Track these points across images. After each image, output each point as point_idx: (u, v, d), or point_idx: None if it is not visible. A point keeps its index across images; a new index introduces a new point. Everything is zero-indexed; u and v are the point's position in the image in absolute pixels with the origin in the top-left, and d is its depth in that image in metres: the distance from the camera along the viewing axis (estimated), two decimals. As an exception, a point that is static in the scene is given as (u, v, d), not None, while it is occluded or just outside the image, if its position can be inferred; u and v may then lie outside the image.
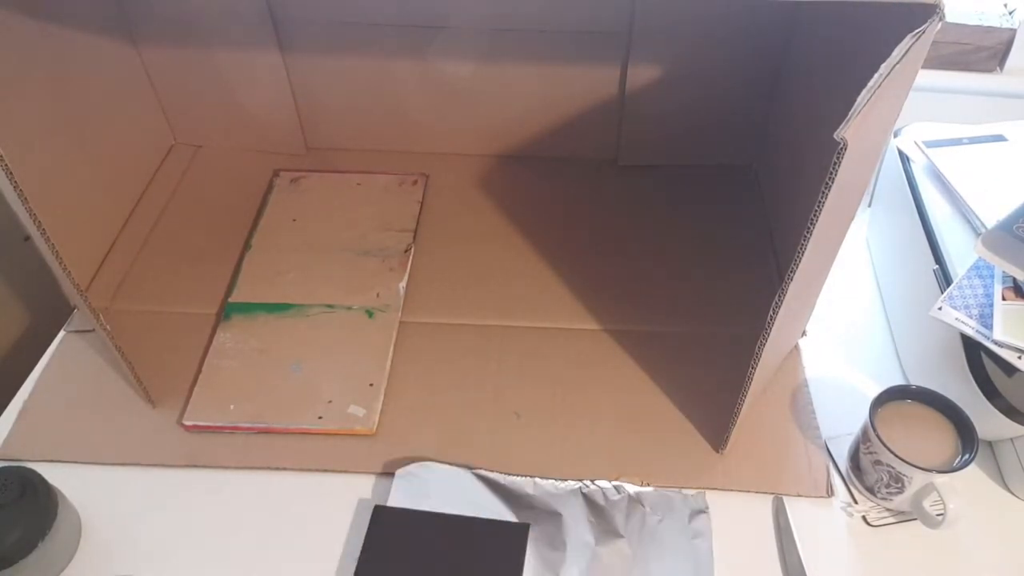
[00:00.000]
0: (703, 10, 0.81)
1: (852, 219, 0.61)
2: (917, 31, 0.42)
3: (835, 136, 0.43)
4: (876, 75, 0.43)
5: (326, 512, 0.65)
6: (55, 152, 0.76)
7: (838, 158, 0.44)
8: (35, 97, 0.74)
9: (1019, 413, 0.60)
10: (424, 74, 0.89)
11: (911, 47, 0.42)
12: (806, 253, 0.50)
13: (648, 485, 0.66)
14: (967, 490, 0.63)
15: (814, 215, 0.48)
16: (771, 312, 0.55)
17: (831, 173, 0.46)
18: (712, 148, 0.94)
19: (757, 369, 0.59)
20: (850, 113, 0.43)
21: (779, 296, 0.54)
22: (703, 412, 0.71)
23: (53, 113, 0.76)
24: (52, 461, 0.68)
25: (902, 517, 0.64)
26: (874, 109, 0.44)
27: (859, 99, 0.43)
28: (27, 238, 0.59)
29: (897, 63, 0.42)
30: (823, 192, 0.47)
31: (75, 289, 0.60)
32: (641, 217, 0.90)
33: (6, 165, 0.52)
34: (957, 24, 0.81)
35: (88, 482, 0.66)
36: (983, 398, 0.61)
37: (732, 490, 0.66)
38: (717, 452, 0.68)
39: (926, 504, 0.61)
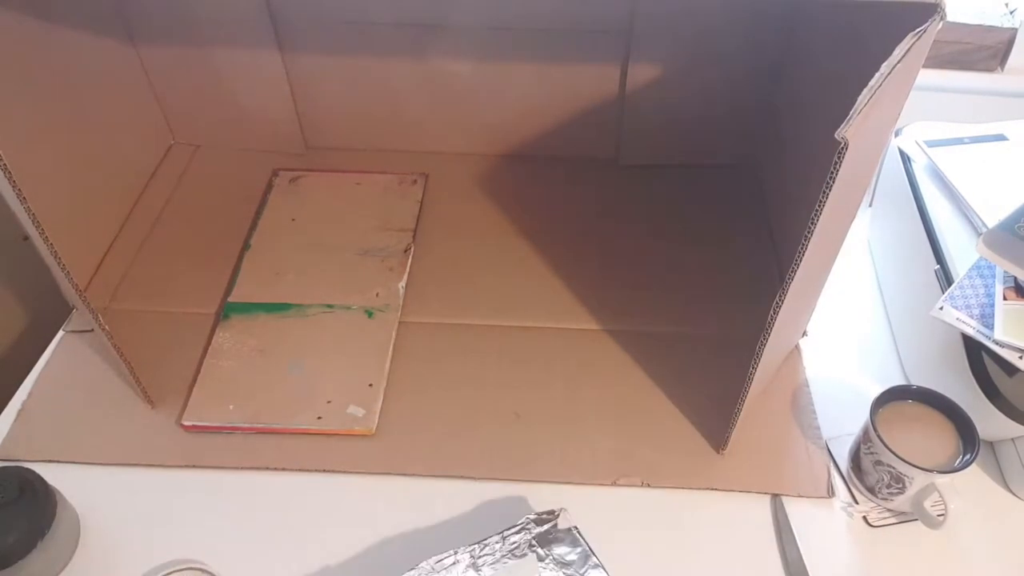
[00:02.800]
0: (703, 9, 0.81)
1: (853, 219, 0.61)
2: (918, 30, 0.42)
3: (836, 136, 0.43)
4: (877, 75, 0.43)
5: (325, 512, 0.65)
6: (54, 152, 0.76)
7: (839, 158, 0.44)
8: (35, 97, 0.73)
9: (1020, 413, 0.60)
10: (424, 74, 0.89)
11: (912, 47, 0.42)
12: (807, 253, 0.50)
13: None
14: (968, 490, 0.63)
15: (815, 215, 0.48)
16: (771, 312, 0.55)
17: (832, 173, 0.45)
18: (712, 147, 0.94)
19: (757, 369, 0.59)
20: (851, 113, 0.43)
21: (779, 296, 0.54)
22: (703, 412, 0.71)
23: (52, 113, 0.76)
24: (52, 461, 0.68)
25: (903, 517, 0.64)
26: (875, 109, 0.43)
27: (860, 99, 0.43)
28: (26, 238, 0.59)
29: (898, 63, 0.42)
30: (824, 192, 0.47)
31: (74, 289, 0.60)
32: (641, 217, 0.89)
33: (5, 165, 0.52)
34: (958, 23, 0.81)
35: (88, 482, 0.66)
36: (984, 398, 0.61)
37: (732, 490, 0.66)
38: (717, 452, 0.68)
39: (927, 504, 0.61)
